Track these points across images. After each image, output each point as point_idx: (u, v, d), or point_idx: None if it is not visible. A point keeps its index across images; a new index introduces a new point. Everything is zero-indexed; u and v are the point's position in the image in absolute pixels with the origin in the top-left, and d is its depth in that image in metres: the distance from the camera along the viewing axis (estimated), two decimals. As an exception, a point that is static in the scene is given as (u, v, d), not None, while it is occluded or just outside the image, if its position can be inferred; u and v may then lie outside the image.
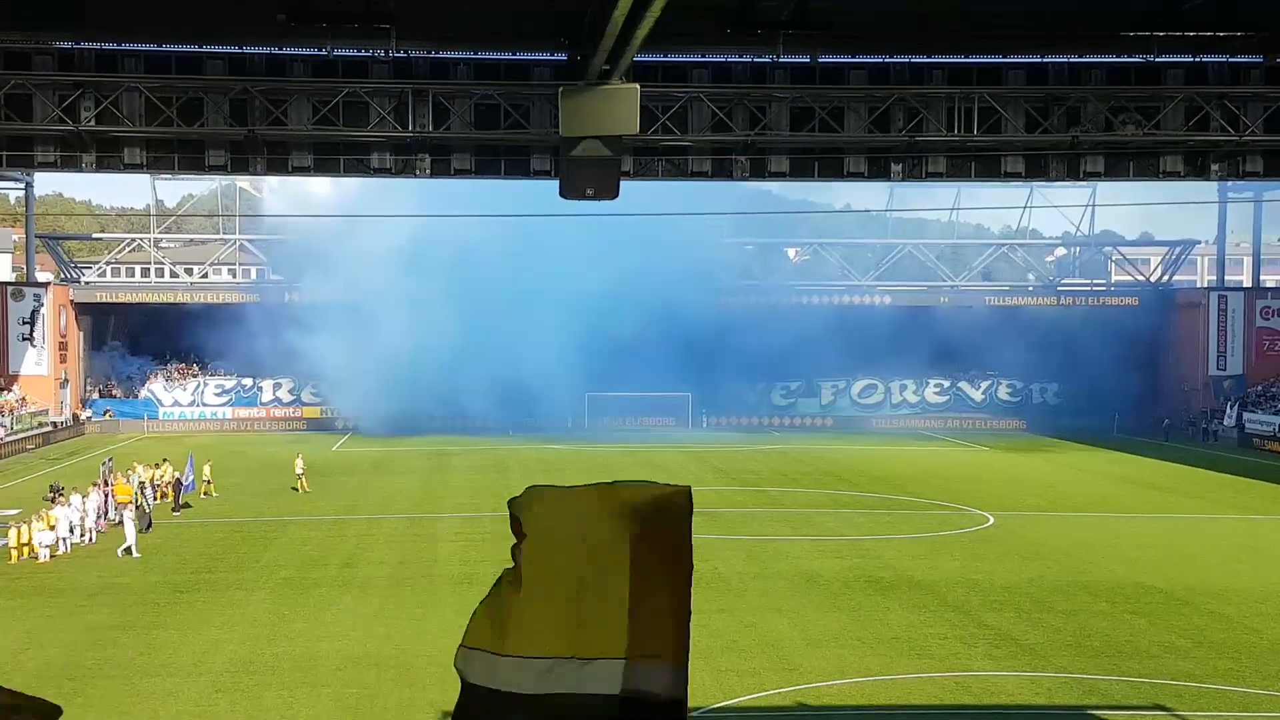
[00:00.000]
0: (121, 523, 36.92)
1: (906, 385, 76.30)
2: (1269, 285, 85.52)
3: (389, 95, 25.23)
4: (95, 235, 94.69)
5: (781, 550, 34.03)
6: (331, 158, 26.38)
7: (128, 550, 32.79)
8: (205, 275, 77.14)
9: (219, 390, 73.07)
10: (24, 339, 66.61)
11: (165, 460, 43.65)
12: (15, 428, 60.42)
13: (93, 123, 25.09)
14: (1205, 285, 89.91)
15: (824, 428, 72.91)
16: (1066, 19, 22.35)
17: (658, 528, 4.42)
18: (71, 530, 33.80)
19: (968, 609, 27.21)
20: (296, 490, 44.83)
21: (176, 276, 76.11)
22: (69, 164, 26.35)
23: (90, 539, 34.57)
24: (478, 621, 4.50)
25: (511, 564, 4.47)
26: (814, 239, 79.80)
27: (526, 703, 4.36)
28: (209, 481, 44.10)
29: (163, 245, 78.18)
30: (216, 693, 21.06)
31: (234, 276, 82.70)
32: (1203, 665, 23.09)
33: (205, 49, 24.80)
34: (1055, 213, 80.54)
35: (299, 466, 45.81)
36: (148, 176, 71.35)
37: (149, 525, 36.47)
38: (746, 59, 25.37)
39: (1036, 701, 21.05)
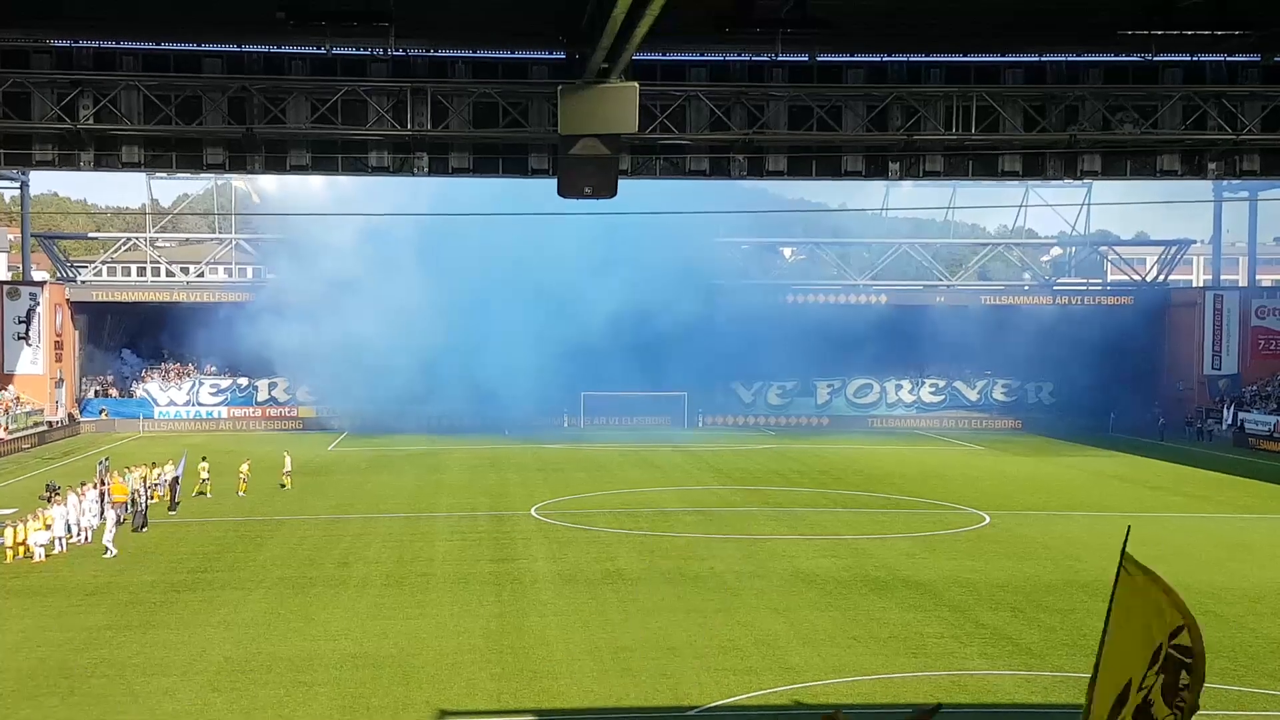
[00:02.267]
0: (119, 521, 36.96)
1: (902, 385, 76.43)
2: (1264, 284, 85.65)
3: (387, 94, 25.25)
4: (91, 234, 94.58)
5: (778, 550, 34.03)
6: (330, 156, 26.41)
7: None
8: (201, 274, 77.06)
9: (214, 390, 73.03)
10: (19, 338, 66.52)
11: (155, 463, 43.54)
12: (11, 427, 60.31)
13: (91, 121, 25.09)
14: (1201, 284, 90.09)
15: (820, 427, 72.96)
16: (1064, 17, 22.39)
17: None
18: (69, 530, 33.73)
19: (964, 608, 27.23)
20: (284, 487, 44.87)
21: (172, 276, 76.04)
22: (67, 162, 26.33)
23: (86, 538, 34.51)
24: None
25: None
26: (810, 238, 79.87)
27: None
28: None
29: (158, 244, 78.10)
30: (213, 692, 21.03)
31: (229, 276, 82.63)
32: (1199, 664, 23.09)
33: (203, 47, 24.82)
34: (1051, 212, 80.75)
35: (287, 464, 45.81)
36: (143, 175, 71.37)
37: (144, 525, 36.43)
38: (744, 57, 25.42)
39: (1032, 700, 21.06)
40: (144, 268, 78.82)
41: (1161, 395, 73.17)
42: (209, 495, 43.31)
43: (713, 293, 69.59)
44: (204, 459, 45.22)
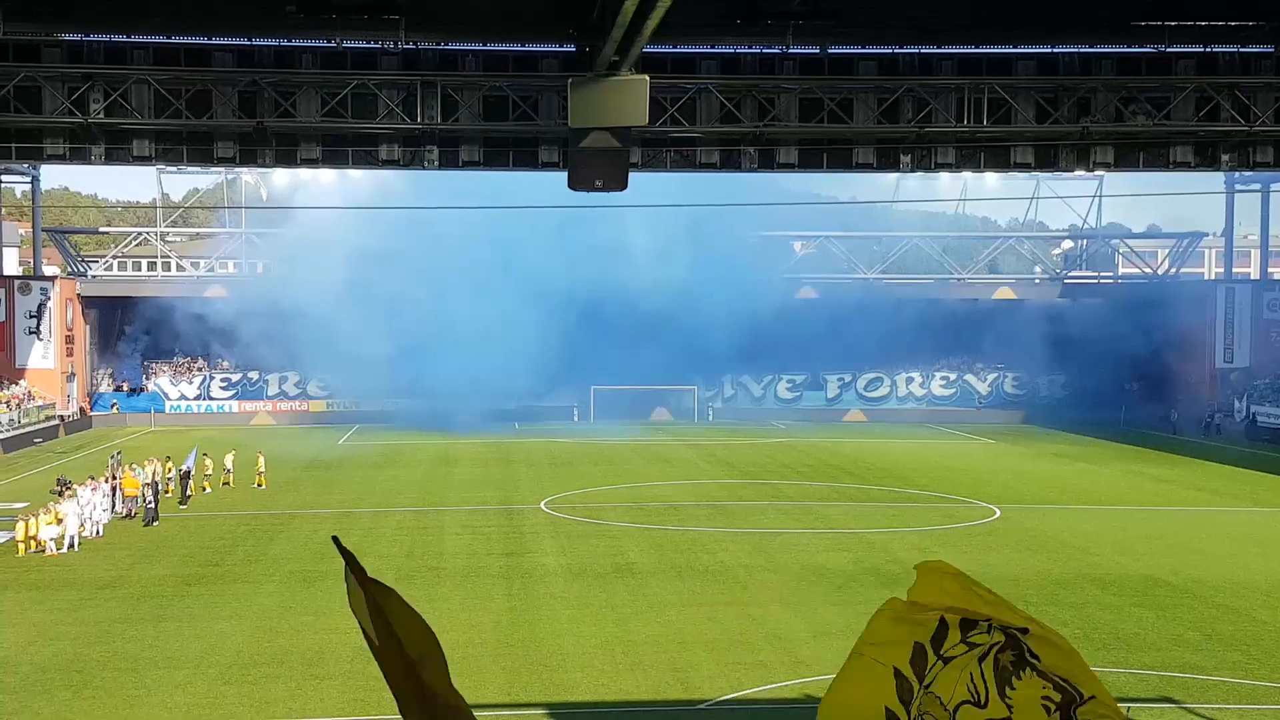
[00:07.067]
0: (129, 515, 37.08)
1: (913, 378, 76.27)
2: (1276, 277, 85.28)
3: (397, 87, 25.26)
4: (101, 229, 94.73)
5: (788, 543, 34.00)
6: (340, 150, 26.42)
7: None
8: (211, 269, 77.16)
9: (225, 383, 73.13)
10: (31, 332, 66.65)
11: (169, 458, 43.63)
12: (22, 421, 60.49)
13: (102, 115, 25.12)
14: (1213, 278, 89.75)
15: (830, 421, 72.85)
16: (1077, 8, 22.30)
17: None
18: (82, 524, 33.78)
19: (976, 601, 27.14)
20: (259, 486, 44.09)
21: (183, 270, 76.12)
22: (78, 156, 26.39)
23: (98, 532, 34.58)
24: None
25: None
26: (819, 231, 79.65)
27: None
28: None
29: (169, 239, 78.17)
30: (225, 685, 21.07)
31: (240, 270, 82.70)
32: (1211, 658, 23.05)
33: (214, 41, 24.83)
34: (1062, 205, 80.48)
35: (260, 463, 45.05)
36: (154, 170, 71.49)
37: (154, 519, 36.50)
38: (755, 50, 25.37)
39: (1045, 694, 20.97)
40: (154, 262, 78.95)
41: (1173, 389, 72.86)
42: (231, 485, 43.65)
43: (723, 286, 69.39)
44: (232, 452, 45.65)
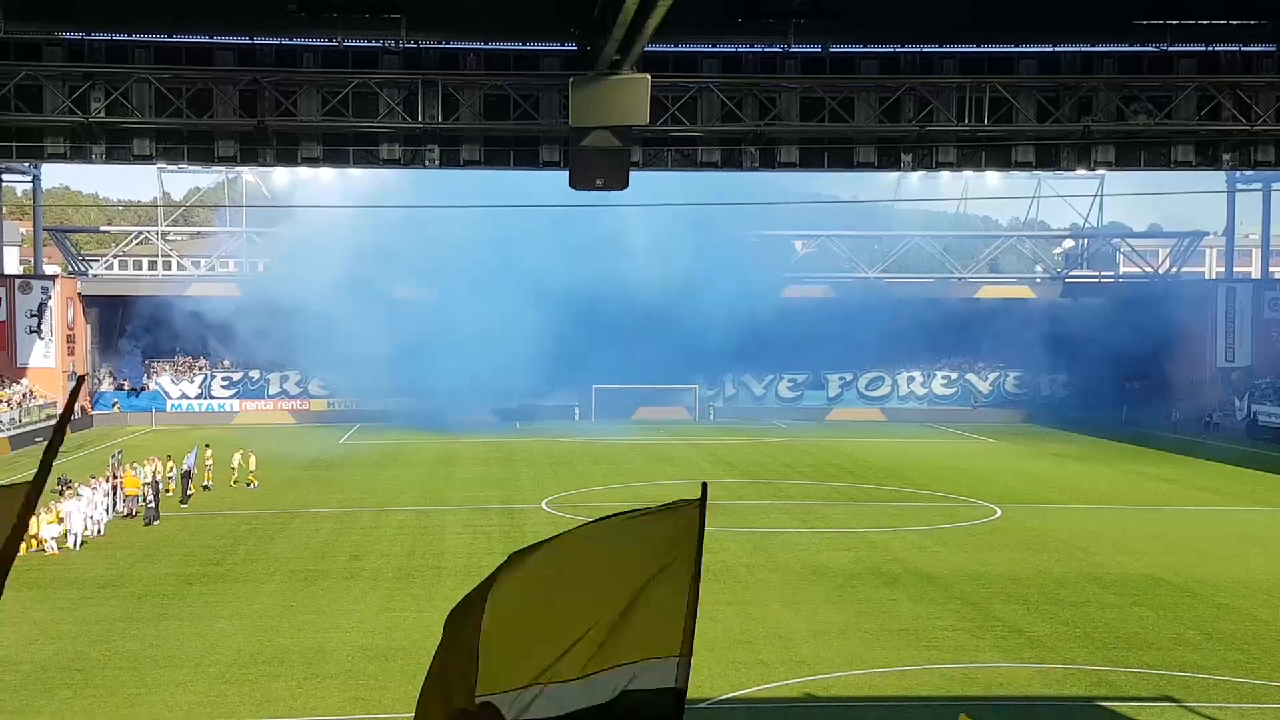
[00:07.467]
0: (130, 515, 37.06)
1: (914, 377, 76.25)
2: (1278, 277, 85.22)
3: (398, 86, 25.29)
4: (102, 228, 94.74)
5: (789, 543, 34.00)
6: (341, 148, 26.43)
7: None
8: (213, 267, 77.14)
9: (226, 383, 73.12)
10: (31, 331, 66.64)
11: (169, 457, 43.61)
12: (23, 420, 60.49)
13: (102, 114, 25.14)
14: (1214, 277, 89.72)
15: (831, 420, 72.82)
16: (1078, 7, 22.31)
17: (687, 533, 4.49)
18: (85, 524, 33.75)
19: (975, 601, 27.17)
20: (250, 485, 44.00)
21: (184, 269, 76.10)
22: (78, 155, 26.40)
23: (99, 531, 34.57)
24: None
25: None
26: (820, 230, 79.62)
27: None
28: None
29: (170, 238, 78.13)
30: (225, 684, 21.07)
31: (241, 269, 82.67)
32: (1211, 657, 23.03)
33: (215, 40, 24.85)
34: (1063, 204, 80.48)
35: (251, 462, 44.93)
36: (154, 169, 71.46)
37: (155, 518, 36.49)
38: (757, 49, 25.39)
39: (1044, 693, 21.00)
40: (155, 261, 78.94)
41: (1174, 388, 72.83)
42: (234, 484, 43.57)
43: (724, 285, 69.38)
44: (239, 451, 45.58)
